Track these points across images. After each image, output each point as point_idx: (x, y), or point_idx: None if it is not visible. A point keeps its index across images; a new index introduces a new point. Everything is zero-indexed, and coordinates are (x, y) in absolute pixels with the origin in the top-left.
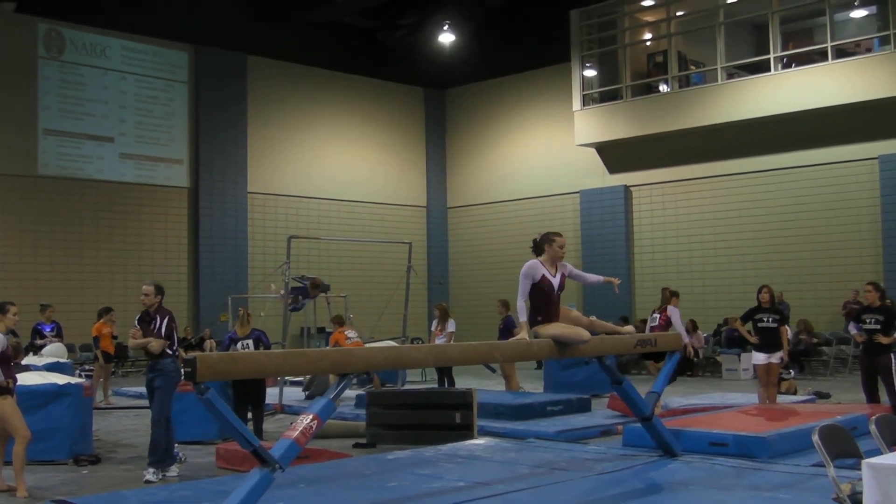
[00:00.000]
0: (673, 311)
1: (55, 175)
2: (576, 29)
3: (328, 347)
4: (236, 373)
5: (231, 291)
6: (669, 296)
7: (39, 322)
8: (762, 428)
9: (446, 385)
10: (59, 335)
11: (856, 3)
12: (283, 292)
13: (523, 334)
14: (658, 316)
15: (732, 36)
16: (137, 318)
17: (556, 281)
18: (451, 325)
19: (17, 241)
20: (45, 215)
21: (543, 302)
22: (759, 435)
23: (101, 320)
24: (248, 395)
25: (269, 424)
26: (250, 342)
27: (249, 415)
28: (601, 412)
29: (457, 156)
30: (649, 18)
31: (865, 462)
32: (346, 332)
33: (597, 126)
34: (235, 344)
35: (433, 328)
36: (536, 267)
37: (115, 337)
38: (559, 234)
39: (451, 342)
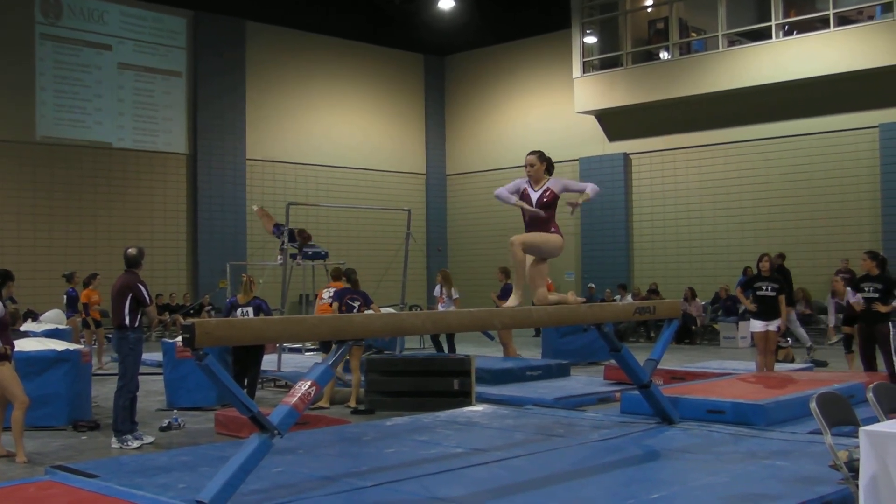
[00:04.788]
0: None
1: (53, 142)
2: None
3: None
4: (235, 339)
5: (230, 258)
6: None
7: (71, 289)
8: (759, 395)
9: (446, 351)
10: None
11: None
12: (280, 258)
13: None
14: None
15: (734, 3)
16: (148, 290)
17: (535, 195)
18: (455, 292)
19: (15, 208)
20: (43, 183)
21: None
22: (756, 402)
23: (90, 287)
24: (245, 360)
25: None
26: (250, 310)
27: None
28: (584, 378)
29: (456, 123)
30: None
31: (863, 430)
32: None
33: (597, 93)
34: (235, 310)
35: (436, 294)
36: (519, 182)
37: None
38: (530, 153)
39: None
